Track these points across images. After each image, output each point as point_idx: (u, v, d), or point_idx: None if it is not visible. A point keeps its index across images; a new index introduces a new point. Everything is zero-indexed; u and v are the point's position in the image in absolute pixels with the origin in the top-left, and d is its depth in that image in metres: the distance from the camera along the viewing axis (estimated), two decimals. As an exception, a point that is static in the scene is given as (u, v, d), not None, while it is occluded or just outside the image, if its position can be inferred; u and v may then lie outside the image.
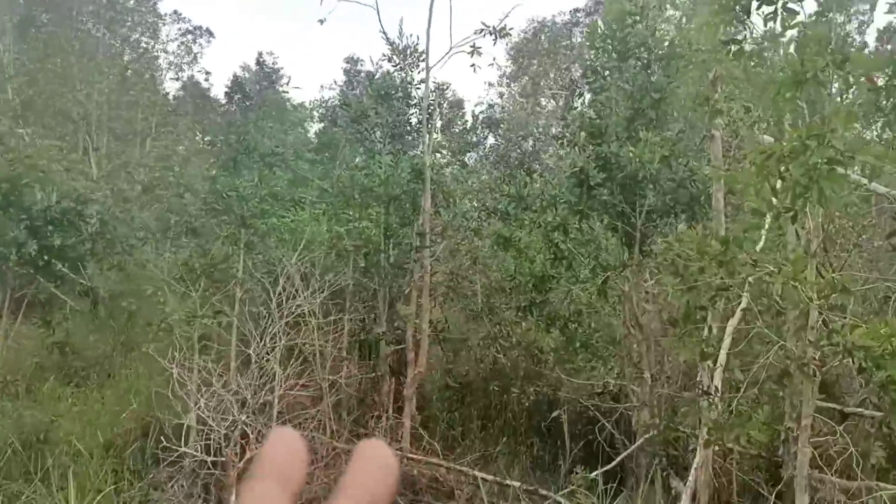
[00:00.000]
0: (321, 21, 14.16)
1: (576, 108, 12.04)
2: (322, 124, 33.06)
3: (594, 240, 12.05)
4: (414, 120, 15.16)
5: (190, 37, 34.81)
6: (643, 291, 12.21)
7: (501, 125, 39.55)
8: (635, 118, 11.33)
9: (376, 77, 14.92)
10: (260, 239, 13.62)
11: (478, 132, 40.19)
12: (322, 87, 44.82)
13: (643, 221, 11.46)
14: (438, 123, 15.47)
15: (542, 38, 46.45)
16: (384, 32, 15.09)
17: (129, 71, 32.79)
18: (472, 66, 15.56)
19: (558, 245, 11.23)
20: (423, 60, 15.26)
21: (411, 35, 15.35)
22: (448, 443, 16.00)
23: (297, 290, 12.61)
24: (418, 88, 15.06)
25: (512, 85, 42.77)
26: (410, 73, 15.22)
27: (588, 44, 12.46)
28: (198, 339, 14.65)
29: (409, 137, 15.45)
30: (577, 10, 47.87)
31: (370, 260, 15.03)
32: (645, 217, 11.42)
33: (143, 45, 33.80)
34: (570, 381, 14.11)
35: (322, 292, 13.63)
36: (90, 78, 27.63)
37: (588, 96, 12.41)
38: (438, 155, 15.36)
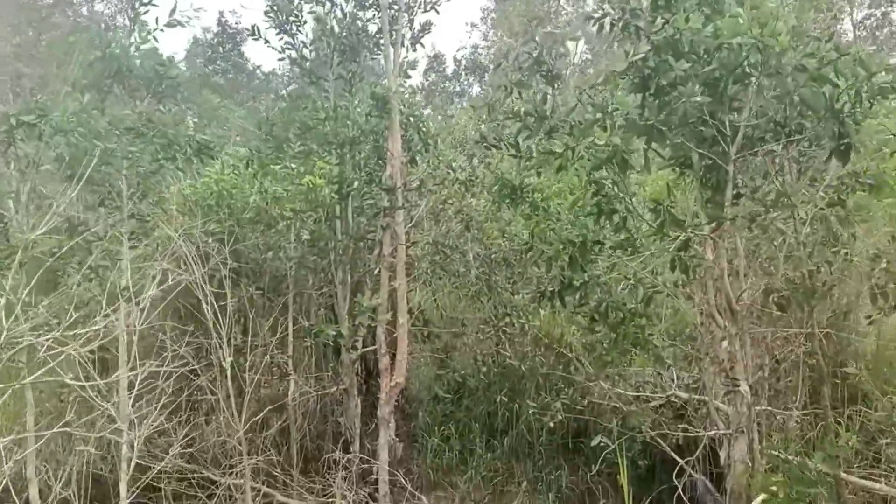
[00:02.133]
0: None
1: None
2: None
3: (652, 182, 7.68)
4: (372, 28, 10.63)
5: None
6: (735, 260, 7.89)
7: (487, 71, 34.82)
8: (722, -24, 6.87)
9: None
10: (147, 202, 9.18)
11: (461, 80, 35.51)
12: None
13: (738, 149, 7.05)
14: (407, 34, 10.90)
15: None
16: None
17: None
18: (450, -50, 10.99)
19: (605, 191, 6.83)
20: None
21: None
22: (441, 475, 11.76)
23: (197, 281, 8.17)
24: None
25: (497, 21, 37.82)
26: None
27: None
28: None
29: (367, 56, 10.89)
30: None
31: (319, 231, 10.57)
32: (741, 141, 7.01)
33: None
34: (614, 392, 9.82)
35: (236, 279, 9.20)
36: None
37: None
38: (410, 79, 10.88)
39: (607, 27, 7.14)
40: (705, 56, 6.55)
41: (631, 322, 6.96)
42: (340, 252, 10.58)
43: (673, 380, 9.49)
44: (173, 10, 9.14)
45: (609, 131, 5.91)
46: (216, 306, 8.51)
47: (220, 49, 40.49)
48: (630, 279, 7.04)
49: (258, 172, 10.04)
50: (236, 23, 40.39)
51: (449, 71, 34.70)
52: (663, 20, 6.52)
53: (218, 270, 9.04)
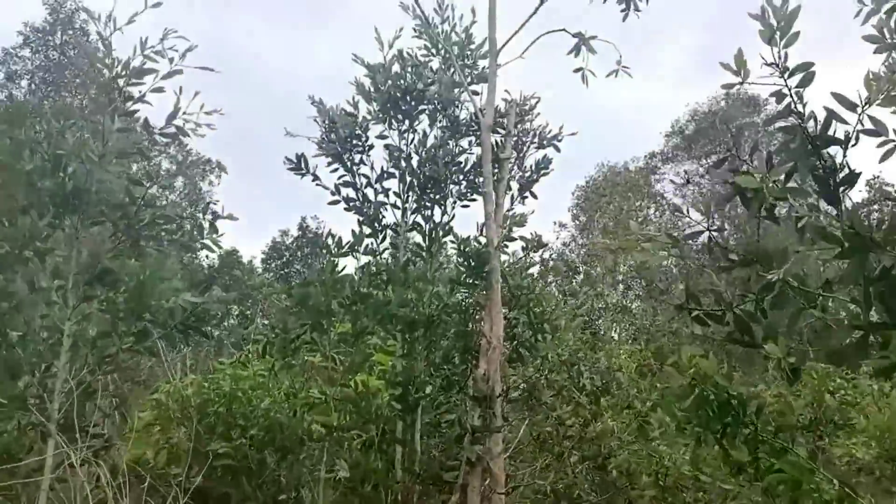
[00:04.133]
0: None
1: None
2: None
3: None
4: (467, 159, 7.28)
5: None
6: None
7: (578, 273, 31.49)
8: None
9: (389, 66, 7.15)
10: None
11: (549, 280, 32.25)
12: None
13: None
14: (515, 175, 7.51)
15: (615, 185, 39.98)
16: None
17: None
18: (578, 70, 7.96)
19: None
20: (481, 51, 7.64)
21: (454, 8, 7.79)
22: None
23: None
24: (475, 92, 7.29)
25: (585, 224, 35.33)
26: (462, 72, 7.49)
27: None
28: None
29: (455, 202, 7.47)
30: (652, 156, 41.39)
31: (368, 462, 6.52)
32: None
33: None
34: None
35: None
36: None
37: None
38: (519, 237, 7.28)
39: None
40: None
41: None
42: (399, 500, 6.43)
43: None
44: (173, 115, 6.06)
45: None
46: None
47: (298, 253, 38.86)
48: None
49: (276, 364, 6.30)
50: (317, 228, 38.92)
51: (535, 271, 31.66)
52: None
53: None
